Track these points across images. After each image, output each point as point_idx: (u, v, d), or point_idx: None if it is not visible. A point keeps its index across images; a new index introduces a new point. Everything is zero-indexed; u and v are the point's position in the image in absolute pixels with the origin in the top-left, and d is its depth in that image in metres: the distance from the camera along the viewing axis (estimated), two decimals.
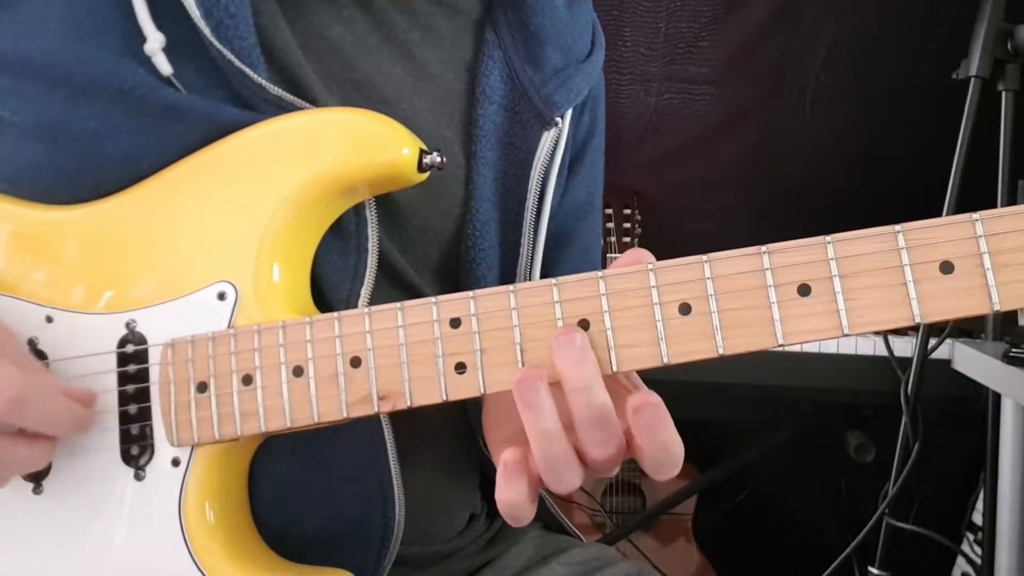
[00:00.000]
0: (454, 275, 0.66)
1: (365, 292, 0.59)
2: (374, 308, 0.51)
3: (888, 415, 1.39)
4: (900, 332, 1.46)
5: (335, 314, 0.52)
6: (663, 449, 0.46)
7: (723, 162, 1.90)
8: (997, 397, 1.31)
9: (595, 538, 1.79)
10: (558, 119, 0.67)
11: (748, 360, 1.44)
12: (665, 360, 0.47)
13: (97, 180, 0.57)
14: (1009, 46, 1.28)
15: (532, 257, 0.68)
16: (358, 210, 0.59)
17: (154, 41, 0.56)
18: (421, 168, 0.56)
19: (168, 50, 0.57)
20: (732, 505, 1.94)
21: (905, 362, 1.37)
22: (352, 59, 0.63)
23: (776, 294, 0.45)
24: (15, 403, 0.48)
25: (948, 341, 1.34)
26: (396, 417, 0.60)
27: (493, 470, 0.71)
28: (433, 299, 0.50)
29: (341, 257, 0.59)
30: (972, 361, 1.26)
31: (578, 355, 0.46)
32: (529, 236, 0.67)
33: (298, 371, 0.52)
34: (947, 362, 1.35)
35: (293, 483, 0.59)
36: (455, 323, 0.49)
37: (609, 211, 1.80)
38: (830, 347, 1.43)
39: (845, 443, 1.59)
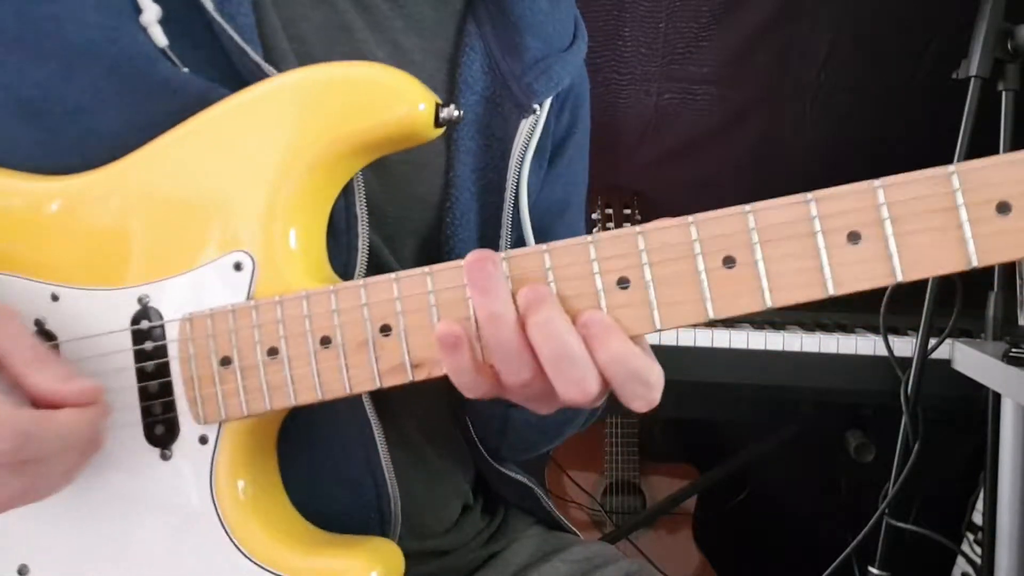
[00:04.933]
0: None
1: None
2: (402, 274, 0.50)
3: (888, 415, 1.39)
4: (900, 332, 1.46)
5: (361, 281, 0.50)
6: (618, 361, 0.46)
7: (723, 162, 1.90)
8: (997, 397, 1.30)
9: (595, 537, 1.79)
10: (536, 106, 0.67)
11: (748, 360, 1.44)
12: (711, 315, 0.45)
13: (84, 158, 0.56)
14: (1009, 46, 1.27)
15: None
16: (348, 207, 0.59)
17: (150, 12, 0.56)
18: (438, 123, 0.54)
19: (164, 23, 0.56)
20: (732, 505, 1.94)
21: (905, 362, 1.37)
22: (335, 41, 0.63)
23: (824, 240, 0.44)
24: (18, 450, 0.46)
25: (948, 341, 1.34)
26: (381, 411, 0.60)
27: (485, 463, 0.70)
28: (462, 262, 0.49)
29: (333, 256, 0.59)
30: (972, 361, 1.25)
31: (537, 295, 0.46)
32: (507, 229, 0.66)
33: (325, 341, 0.50)
34: (947, 362, 1.35)
35: (285, 483, 0.59)
36: None
37: (609, 211, 1.80)
38: (830, 347, 1.43)
39: (845, 443, 1.59)
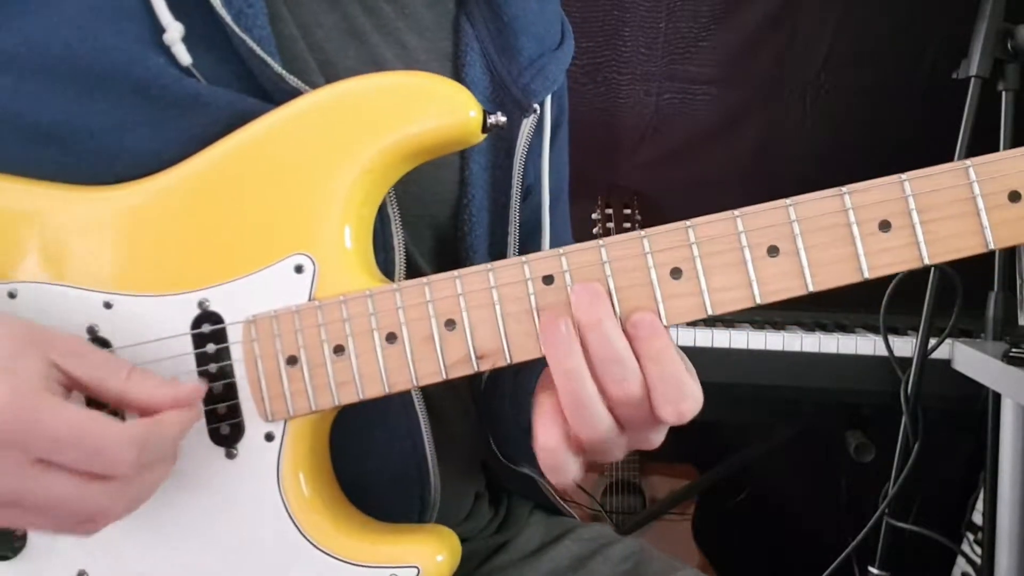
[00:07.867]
0: (451, 263, 0.67)
1: None
2: (463, 271, 0.52)
3: (888, 415, 1.39)
4: (900, 332, 1.47)
5: (424, 279, 0.53)
6: (657, 360, 0.49)
7: (723, 162, 1.90)
8: (997, 397, 1.30)
9: None
10: (536, 106, 0.68)
11: (748, 360, 1.44)
12: (758, 300, 0.50)
13: (117, 176, 0.56)
14: (1009, 46, 1.28)
15: (516, 246, 0.69)
16: (381, 208, 0.60)
17: (174, 31, 0.56)
18: (485, 129, 0.56)
19: (186, 40, 0.56)
20: (732, 505, 1.94)
21: (905, 362, 1.37)
22: (347, 45, 0.64)
23: (859, 230, 0.49)
24: (139, 460, 0.47)
25: (948, 341, 1.34)
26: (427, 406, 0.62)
27: (496, 460, 0.72)
28: (523, 258, 0.52)
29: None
30: (972, 361, 1.26)
31: (591, 296, 0.49)
32: (515, 225, 0.68)
33: (391, 337, 0.53)
34: (947, 362, 1.35)
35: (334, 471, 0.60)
36: (548, 280, 0.51)
37: (609, 211, 1.80)
38: (830, 347, 1.44)
39: (845, 443, 1.59)
